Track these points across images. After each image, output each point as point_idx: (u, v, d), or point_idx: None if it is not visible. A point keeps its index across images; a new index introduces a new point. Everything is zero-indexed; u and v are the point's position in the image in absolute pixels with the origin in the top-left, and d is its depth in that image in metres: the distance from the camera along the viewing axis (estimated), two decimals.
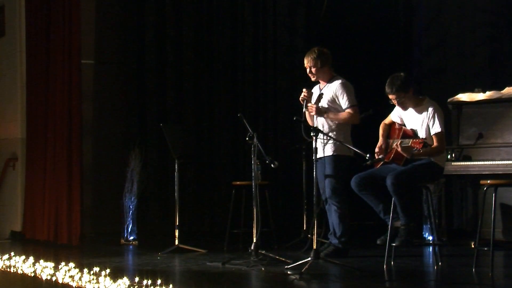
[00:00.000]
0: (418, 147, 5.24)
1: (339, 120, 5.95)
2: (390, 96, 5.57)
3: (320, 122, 5.97)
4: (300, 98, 5.88)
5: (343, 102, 5.96)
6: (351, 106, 5.94)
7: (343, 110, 5.96)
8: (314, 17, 9.12)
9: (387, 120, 5.87)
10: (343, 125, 5.99)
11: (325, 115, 5.94)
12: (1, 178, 8.21)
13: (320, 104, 5.93)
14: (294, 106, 6.46)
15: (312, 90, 6.09)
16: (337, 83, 6.00)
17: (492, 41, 8.07)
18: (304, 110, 5.88)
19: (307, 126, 5.65)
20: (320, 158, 5.88)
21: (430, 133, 5.50)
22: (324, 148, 5.92)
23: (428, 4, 8.72)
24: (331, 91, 6.01)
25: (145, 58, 8.13)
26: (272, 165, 5.65)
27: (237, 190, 6.90)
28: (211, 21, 8.54)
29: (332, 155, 5.95)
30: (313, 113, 5.89)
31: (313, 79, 6.09)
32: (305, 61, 6.06)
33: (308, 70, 6.06)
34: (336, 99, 5.98)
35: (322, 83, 6.14)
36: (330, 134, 5.90)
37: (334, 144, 5.89)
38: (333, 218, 5.97)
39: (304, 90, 5.87)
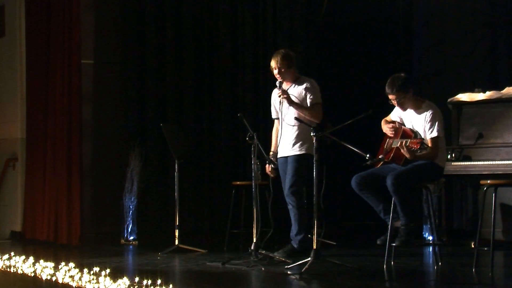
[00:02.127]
0: (416, 147, 5.25)
1: (303, 112, 5.94)
2: (390, 96, 5.57)
3: (281, 119, 6.06)
4: (278, 94, 5.97)
5: (309, 99, 5.99)
6: (316, 103, 5.99)
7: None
8: (313, 17, 9.12)
9: (388, 118, 5.87)
10: (304, 126, 5.91)
11: (294, 105, 5.94)
12: (1, 178, 8.21)
13: (287, 109, 6.02)
14: None
15: (274, 93, 6.20)
16: (305, 83, 6.05)
17: (491, 41, 8.07)
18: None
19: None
20: (284, 157, 6.05)
21: (427, 136, 5.51)
22: (291, 147, 5.98)
23: (427, 4, 8.71)
24: (299, 90, 6.05)
25: (145, 58, 8.13)
26: (272, 165, 5.67)
27: (237, 190, 6.90)
28: (211, 21, 8.54)
29: (297, 154, 5.97)
30: (285, 98, 5.91)
31: (279, 79, 6.06)
32: (273, 62, 6.09)
33: (276, 71, 6.06)
34: (302, 98, 6.02)
35: (286, 84, 6.15)
36: (298, 131, 5.97)
37: (301, 142, 5.90)
38: (291, 218, 6.01)
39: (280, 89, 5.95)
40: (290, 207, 6.01)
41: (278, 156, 6.15)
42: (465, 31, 8.24)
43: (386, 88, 5.56)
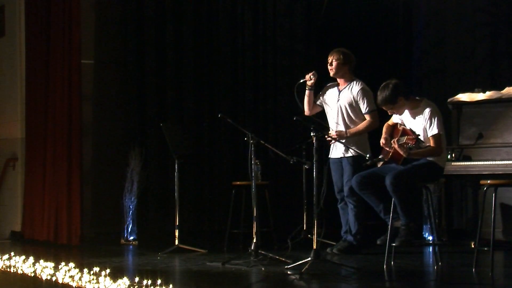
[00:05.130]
0: (412, 143, 5.26)
1: (361, 132, 6.11)
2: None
3: (334, 123, 6.14)
4: (308, 76, 6.10)
5: (363, 107, 6.11)
6: (370, 112, 6.10)
7: (362, 115, 6.12)
8: (313, 17, 9.12)
9: (390, 121, 5.88)
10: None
11: (348, 135, 6.07)
12: (1, 178, 8.21)
13: (339, 112, 6.14)
14: (294, 106, 6.48)
15: (330, 90, 6.28)
16: (357, 88, 6.14)
17: (492, 41, 8.06)
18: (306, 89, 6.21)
19: (307, 125, 5.68)
20: (338, 158, 6.17)
21: (428, 135, 5.50)
22: (345, 150, 6.05)
23: (427, 4, 8.71)
24: (350, 94, 6.15)
25: (145, 58, 8.12)
26: (306, 166, 5.72)
27: (237, 190, 6.90)
28: (211, 20, 8.54)
29: (351, 156, 6.06)
30: (336, 138, 6.02)
31: (331, 73, 6.19)
32: (330, 56, 6.20)
33: (329, 62, 6.17)
34: (355, 103, 6.12)
35: (340, 83, 6.24)
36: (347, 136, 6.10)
37: (354, 144, 5.99)
38: (349, 217, 6.17)
39: (313, 73, 6.08)
40: (351, 206, 6.12)
41: (331, 156, 6.26)
42: (465, 30, 8.24)
43: (376, 98, 5.58)
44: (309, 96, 6.29)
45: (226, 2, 8.63)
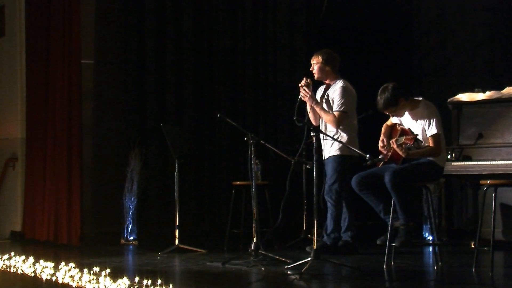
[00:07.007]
0: (410, 143, 5.27)
1: (323, 118, 6.03)
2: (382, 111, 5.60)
3: (324, 123, 6.08)
4: (300, 84, 5.96)
5: (335, 103, 6.02)
6: (337, 110, 5.98)
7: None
8: (314, 17, 9.13)
9: (389, 122, 5.88)
10: (347, 125, 6.03)
11: (315, 106, 5.96)
12: (1, 178, 8.21)
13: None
14: (294, 106, 6.46)
15: (319, 90, 6.21)
16: (336, 87, 6.07)
17: (492, 41, 8.07)
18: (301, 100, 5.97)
19: (309, 126, 5.67)
20: (326, 159, 6.10)
21: (427, 135, 5.51)
22: (329, 149, 6.02)
23: (429, 4, 8.72)
24: (331, 95, 6.10)
25: (145, 58, 8.13)
26: (307, 166, 5.69)
27: (237, 190, 6.90)
28: (211, 21, 8.54)
29: (334, 155, 6.02)
30: (306, 99, 5.93)
31: (315, 77, 6.14)
32: (311, 60, 6.16)
33: (311, 67, 6.12)
34: (332, 102, 6.06)
35: (327, 84, 6.19)
36: (333, 134, 6.00)
37: (338, 144, 5.94)
38: (327, 215, 6.11)
39: (304, 78, 5.94)
40: (329, 205, 6.08)
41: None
42: (466, 31, 8.24)
43: (377, 102, 5.56)
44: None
45: (227, 2, 8.63)
